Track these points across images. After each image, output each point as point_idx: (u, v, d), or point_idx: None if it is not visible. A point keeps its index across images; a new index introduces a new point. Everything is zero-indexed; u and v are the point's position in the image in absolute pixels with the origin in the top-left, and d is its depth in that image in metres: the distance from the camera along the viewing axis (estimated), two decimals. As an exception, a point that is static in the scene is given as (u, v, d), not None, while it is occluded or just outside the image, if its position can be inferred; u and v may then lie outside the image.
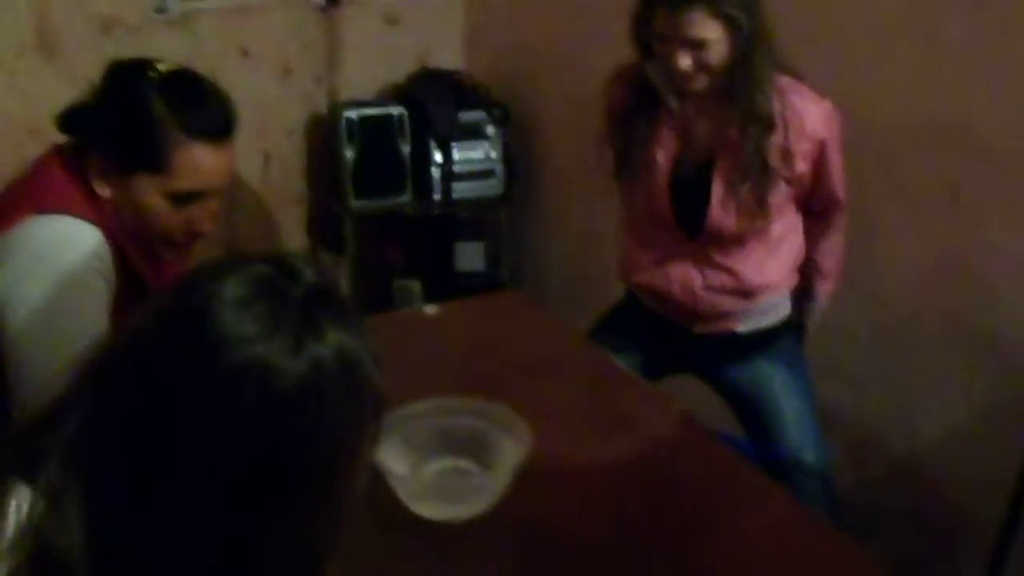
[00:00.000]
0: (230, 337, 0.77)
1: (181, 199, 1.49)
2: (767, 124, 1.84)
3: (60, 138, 1.55)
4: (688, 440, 1.69)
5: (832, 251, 2.09)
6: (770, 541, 1.42)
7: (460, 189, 3.18)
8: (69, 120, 1.53)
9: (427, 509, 1.38)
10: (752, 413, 2.05)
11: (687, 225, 1.98)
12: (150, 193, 1.47)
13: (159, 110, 1.45)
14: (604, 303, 2.30)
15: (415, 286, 3.26)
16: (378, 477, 1.37)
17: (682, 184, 1.96)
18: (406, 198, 3.17)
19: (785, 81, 1.89)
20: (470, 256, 3.36)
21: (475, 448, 1.50)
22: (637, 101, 1.97)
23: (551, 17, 3.14)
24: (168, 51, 2.70)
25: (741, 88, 1.83)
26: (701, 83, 1.83)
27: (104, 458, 0.78)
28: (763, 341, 2.05)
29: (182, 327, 0.80)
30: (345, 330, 0.82)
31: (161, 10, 2.79)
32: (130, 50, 2.60)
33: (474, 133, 3.15)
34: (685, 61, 1.78)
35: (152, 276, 1.57)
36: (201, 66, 2.81)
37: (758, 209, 1.90)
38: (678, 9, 1.74)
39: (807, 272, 2.09)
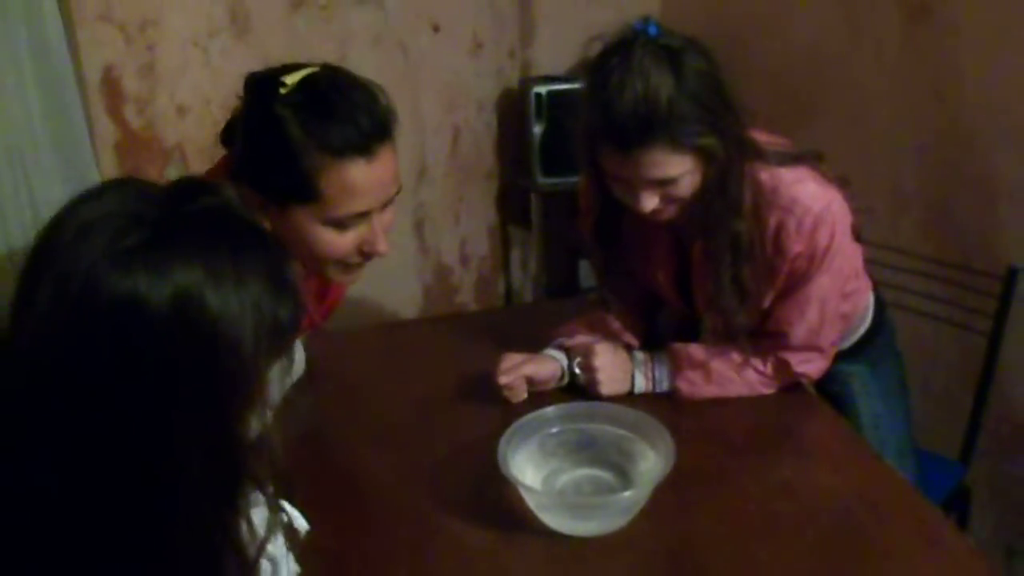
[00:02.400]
0: (69, 240, 0.75)
1: (344, 224, 1.35)
2: (744, 251, 1.54)
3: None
4: (852, 459, 1.56)
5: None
6: None
7: (649, 169, 3.06)
8: (228, 136, 1.42)
9: (557, 522, 1.33)
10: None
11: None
12: (310, 223, 1.33)
13: (295, 133, 1.28)
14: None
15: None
16: (509, 485, 1.34)
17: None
18: (594, 177, 3.10)
19: (775, 180, 1.54)
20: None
21: (615, 457, 1.44)
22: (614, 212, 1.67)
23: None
24: (358, 27, 2.76)
25: (714, 215, 1.52)
26: (670, 213, 1.52)
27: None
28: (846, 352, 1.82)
29: (47, 227, 0.79)
30: (204, 259, 0.75)
31: None
32: (320, 28, 2.68)
33: (666, 112, 3.02)
34: (651, 202, 1.47)
35: (319, 293, 1.55)
36: (391, 41, 2.93)
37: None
38: (631, 151, 1.41)
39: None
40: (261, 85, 1.33)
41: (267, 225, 1.29)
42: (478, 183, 3.28)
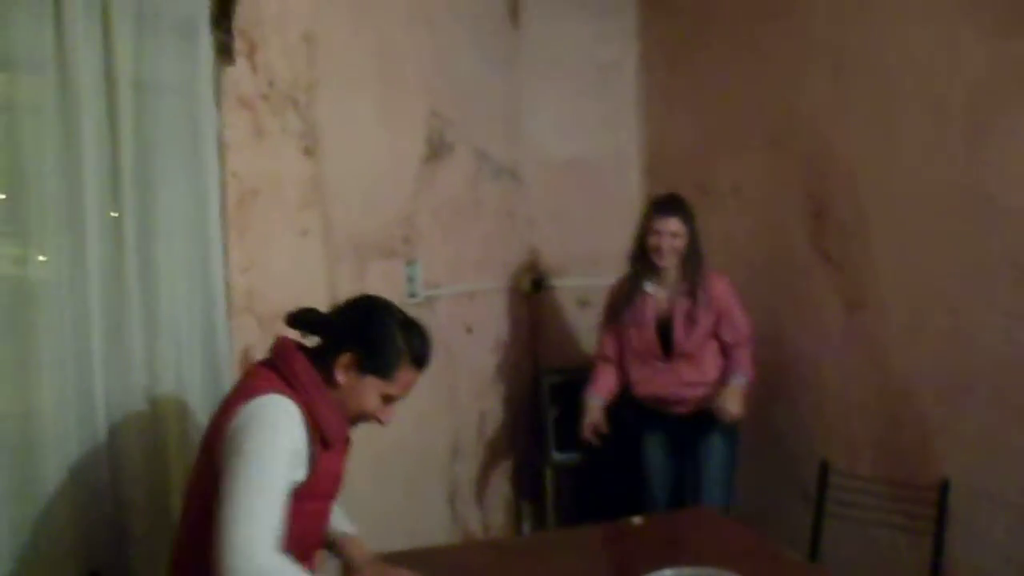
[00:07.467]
0: None
1: (387, 399, 2.02)
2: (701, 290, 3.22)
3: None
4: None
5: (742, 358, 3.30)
6: None
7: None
8: (304, 320, 2.04)
9: None
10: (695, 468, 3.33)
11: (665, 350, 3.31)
12: (373, 391, 1.99)
13: (400, 341, 1.99)
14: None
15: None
16: None
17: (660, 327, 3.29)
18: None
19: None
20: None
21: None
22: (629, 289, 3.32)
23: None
24: None
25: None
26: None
27: None
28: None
29: None
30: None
31: (413, 295, 3.55)
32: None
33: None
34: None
35: (334, 432, 2.00)
36: (437, 338, 3.59)
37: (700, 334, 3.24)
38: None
39: (734, 370, 3.27)
40: (378, 304, 2.09)
41: (342, 379, 1.98)
42: (499, 459, 4.01)
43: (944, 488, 2.81)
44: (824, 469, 3.07)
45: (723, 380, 3.29)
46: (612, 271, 3.54)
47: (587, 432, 3.37)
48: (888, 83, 3.16)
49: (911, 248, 3.11)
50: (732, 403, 3.17)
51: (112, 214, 2.31)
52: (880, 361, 3.26)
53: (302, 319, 2.07)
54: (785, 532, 3.35)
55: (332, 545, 2.20)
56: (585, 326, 4.24)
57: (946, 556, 2.80)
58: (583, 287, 4.35)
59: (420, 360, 2.04)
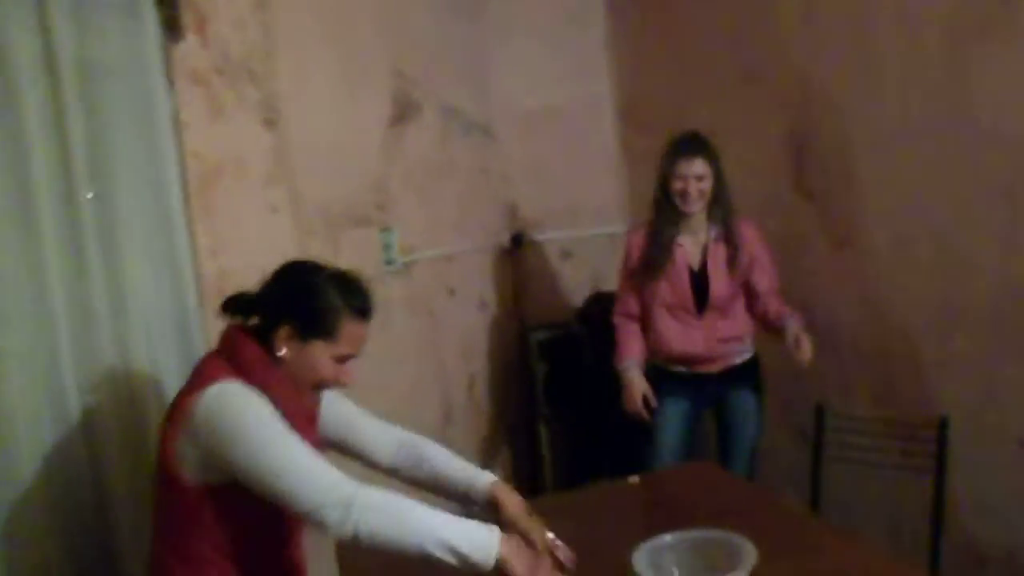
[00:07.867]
0: None
1: (341, 359, 1.94)
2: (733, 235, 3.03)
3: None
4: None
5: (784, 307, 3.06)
6: None
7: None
8: (235, 305, 1.98)
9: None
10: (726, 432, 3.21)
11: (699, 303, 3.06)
12: (322, 355, 1.91)
13: (333, 297, 1.90)
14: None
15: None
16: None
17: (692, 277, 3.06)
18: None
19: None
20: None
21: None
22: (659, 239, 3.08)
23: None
24: (395, 292, 3.44)
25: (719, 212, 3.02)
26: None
27: None
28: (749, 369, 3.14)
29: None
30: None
31: (390, 263, 3.45)
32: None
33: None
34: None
35: (292, 410, 1.92)
36: (420, 304, 3.64)
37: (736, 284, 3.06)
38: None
39: (782, 316, 3.01)
40: (305, 269, 1.99)
41: (285, 352, 1.90)
42: (491, 419, 3.96)
43: (943, 424, 2.75)
44: (820, 412, 3.02)
45: (774, 326, 3.04)
46: (592, 221, 3.45)
47: (635, 405, 3.07)
48: (865, 12, 3.07)
49: (896, 179, 3.05)
50: (807, 341, 2.89)
51: (67, 203, 2.22)
52: (870, 298, 3.20)
53: (233, 305, 2.01)
54: (785, 476, 3.32)
55: (472, 498, 2.14)
56: (570, 279, 4.17)
57: (948, 492, 2.75)
58: (564, 239, 4.27)
59: (361, 310, 1.95)
